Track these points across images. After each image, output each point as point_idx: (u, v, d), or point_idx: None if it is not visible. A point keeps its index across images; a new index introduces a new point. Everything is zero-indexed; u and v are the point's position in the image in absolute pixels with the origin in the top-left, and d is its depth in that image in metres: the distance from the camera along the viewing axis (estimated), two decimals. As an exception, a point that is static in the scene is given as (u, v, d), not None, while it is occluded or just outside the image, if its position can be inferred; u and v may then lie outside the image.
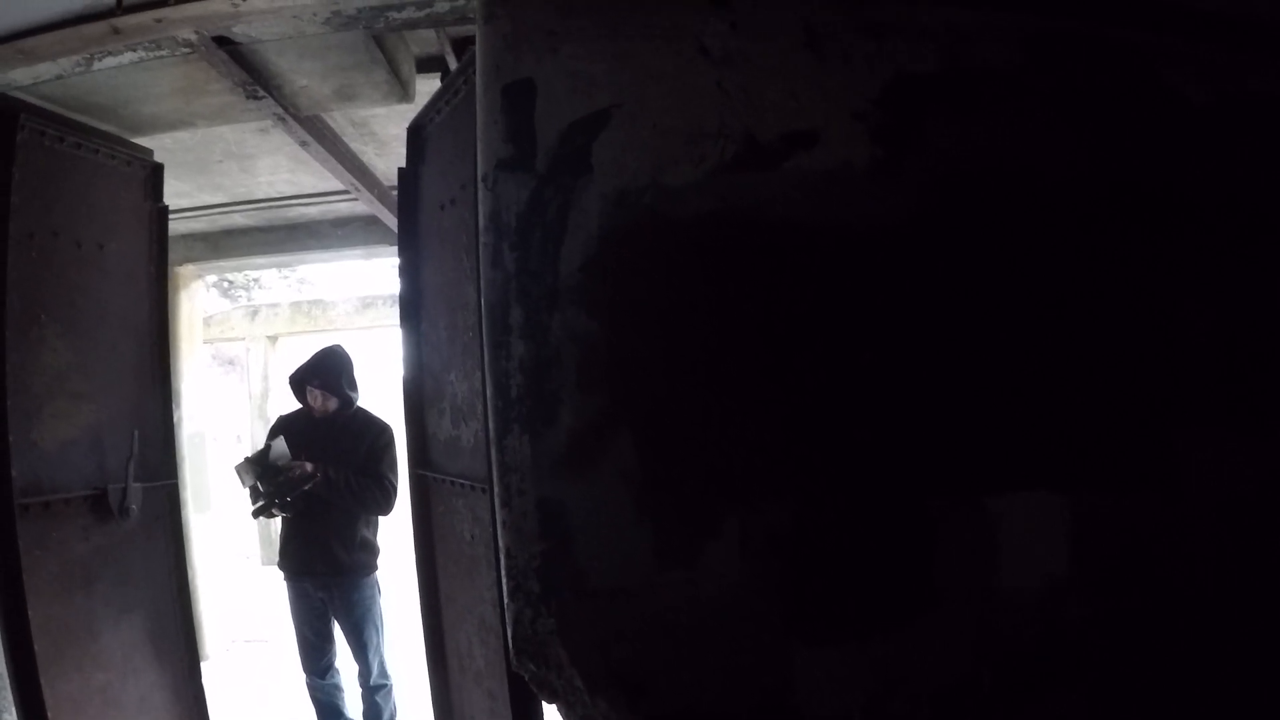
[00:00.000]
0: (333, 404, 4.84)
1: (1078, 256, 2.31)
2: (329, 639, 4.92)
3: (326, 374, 4.84)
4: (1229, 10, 2.36)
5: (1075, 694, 2.27)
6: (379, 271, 18.59)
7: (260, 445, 4.61)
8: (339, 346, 5.06)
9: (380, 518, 4.91)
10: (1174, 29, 2.35)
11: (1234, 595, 2.27)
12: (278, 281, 20.24)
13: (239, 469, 4.58)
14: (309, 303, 13.94)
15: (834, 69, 2.33)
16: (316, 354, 4.98)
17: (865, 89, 2.32)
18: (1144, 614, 2.28)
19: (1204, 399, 2.30)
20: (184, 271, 7.44)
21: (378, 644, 4.90)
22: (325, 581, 4.76)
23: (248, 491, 4.63)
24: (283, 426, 4.95)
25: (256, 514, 4.74)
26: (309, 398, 4.86)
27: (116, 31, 2.94)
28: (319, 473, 4.55)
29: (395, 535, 4.97)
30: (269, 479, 4.48)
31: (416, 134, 3.52)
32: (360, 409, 4.99)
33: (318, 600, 4.81)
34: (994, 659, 2.27)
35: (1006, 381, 2.29)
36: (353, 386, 4.94)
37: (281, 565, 4.88)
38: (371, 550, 4.89)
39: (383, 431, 4.88)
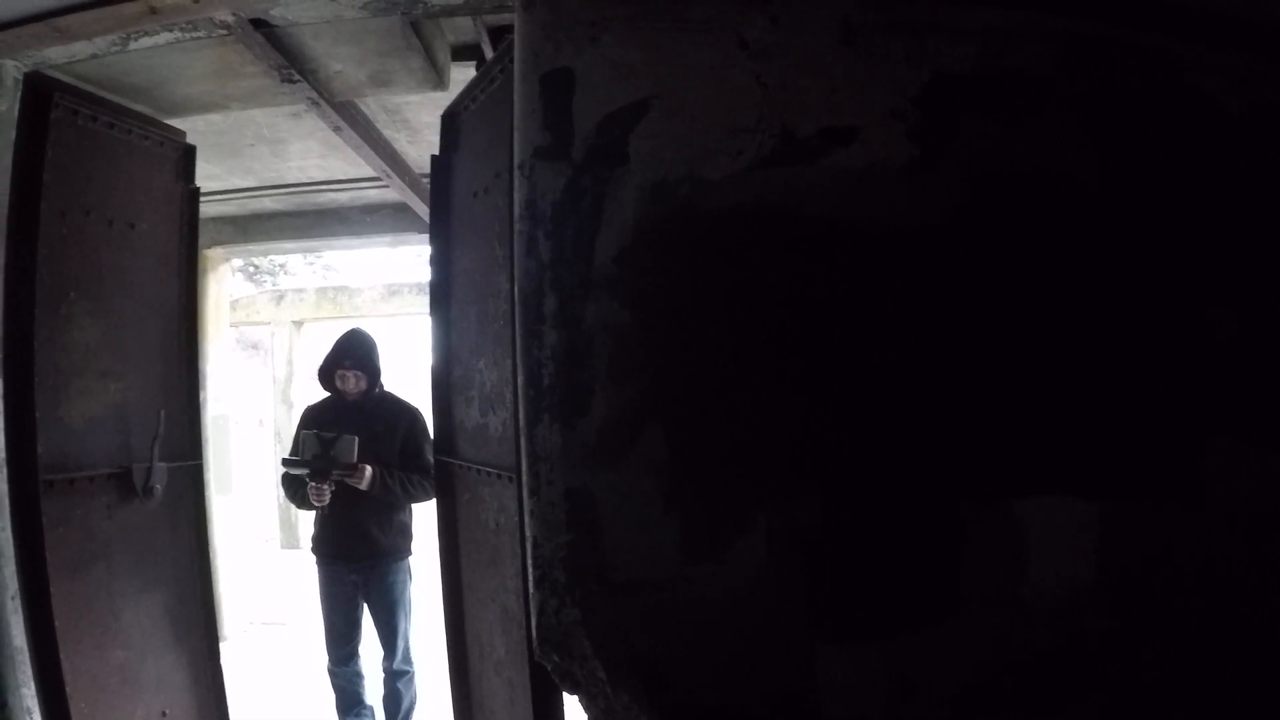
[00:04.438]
0: (364, 384, 4.82)
1: (1109, 262, 2.30)
2: (357, 626, 4.92)
3: (356, 354, 4.83)
4: (1267, 19, 2.34)
5: (1096, 701, 2.26)
6: (405, 259, 18.74)
7: (306, 433, 4.57)
8: (360, 329, 5.06)
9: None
10: (1212, 37, 2.33)
11: (1255, 606, 2.26)
12: (303, 267, 20.42)
13: (305, 435, 4.57)
14: (335, 289, 13.98)
15: (873, 67, 2.33)
16: (341, 338, 4.96)
17: (904, 87, 2.32)
18: (1166, 622, 2.26)
19: (1230, 409, 2.29)
20: (212, 254, 7.47)
21: (405, 630, 4.91)
22: (361, 565, 4.75)
23: (299, 459, 4.61)
24: (313, 417, 4.93)
25: (287, 464, 4.75)
26: (339, 381, 4.83)
27: (154, 11, 2.94)
28: (376, 482, 4.56)
29: (416, 522, 4.97)
30: (320, 461, 4.49)
31: (450, 122, 3.51)
32: (386, 391, 4.99)
33: (350, 585, 4.80)
34: (1016, 663, 2.27)
35: (1037, 384, 2.28)
36: (379, 363, 4.94)
37: (316, 550, 4.87)
38: (407, 534, 4.90)
39: (417, 417, 4.86)
